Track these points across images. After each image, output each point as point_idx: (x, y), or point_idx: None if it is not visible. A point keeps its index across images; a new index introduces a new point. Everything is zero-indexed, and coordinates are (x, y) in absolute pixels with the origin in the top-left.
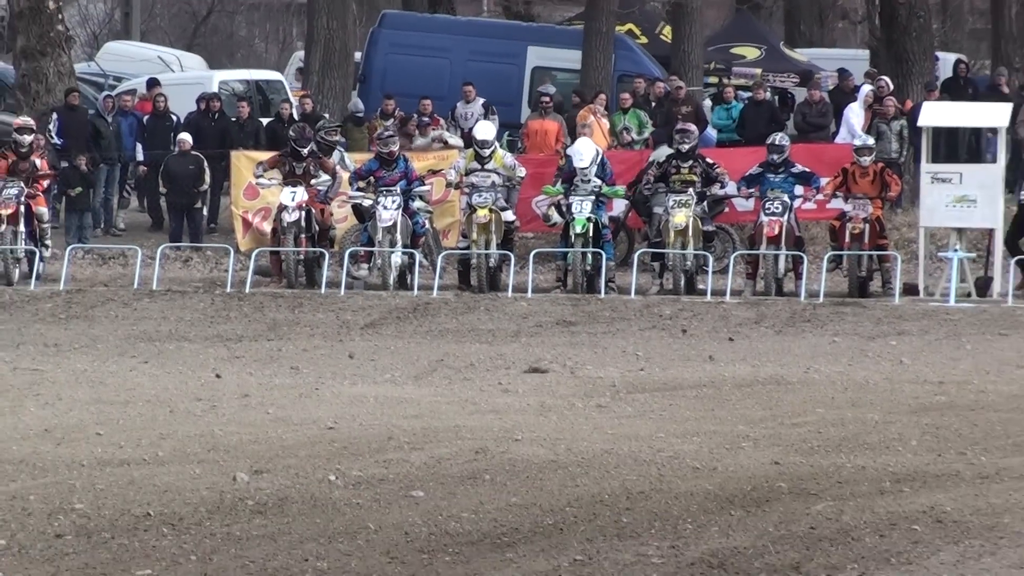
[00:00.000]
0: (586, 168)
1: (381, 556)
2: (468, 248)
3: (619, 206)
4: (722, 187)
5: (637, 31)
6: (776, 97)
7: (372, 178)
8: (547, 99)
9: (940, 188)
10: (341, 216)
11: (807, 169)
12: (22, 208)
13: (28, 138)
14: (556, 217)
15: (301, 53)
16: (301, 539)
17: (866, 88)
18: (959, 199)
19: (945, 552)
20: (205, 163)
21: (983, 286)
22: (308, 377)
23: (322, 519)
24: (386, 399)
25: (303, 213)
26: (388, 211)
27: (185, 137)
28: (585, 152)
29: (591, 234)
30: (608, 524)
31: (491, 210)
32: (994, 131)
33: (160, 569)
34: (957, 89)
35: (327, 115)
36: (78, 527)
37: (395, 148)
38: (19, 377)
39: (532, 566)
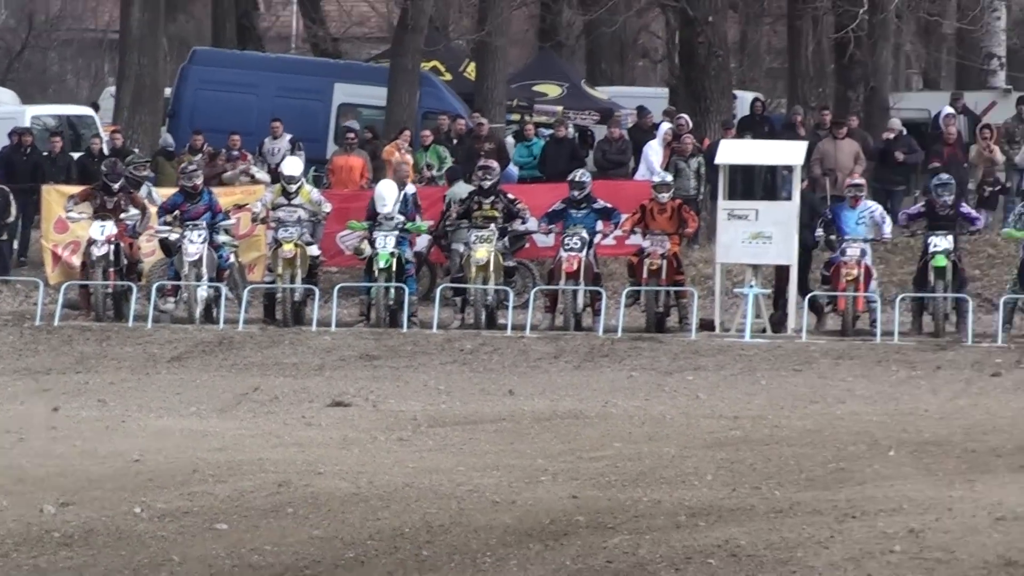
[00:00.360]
0: (389, 212)
1: None
2: (273, 282)
3: (422, 241)
4: (523, 223)
5: (442, 68)
6: (577, 134)
7: (178, 212)
8: (352, 135)
9: (736, 225)
10: (149, 250)
11: (608, 204)
12: None
13: None
14: (368, 250)
15: (113, 89)
16: (106, 571)
17: (665, 126)
18: (755, 235)
19: None
20: (11, 196)
21: (778, 322)
22: (115, 410)
23: (127, 551)
24: (191, 432)
25: (112, 247)
26: (194, 245)
27: None
28: (388, 196)
29: (394, 269)
30: (408, 557)
31: (297, 245)
32: (790, 169)
33: None
34: (754, 127)
35: (137, 150)
36: None
37: (199, 182)
38: None
39: None
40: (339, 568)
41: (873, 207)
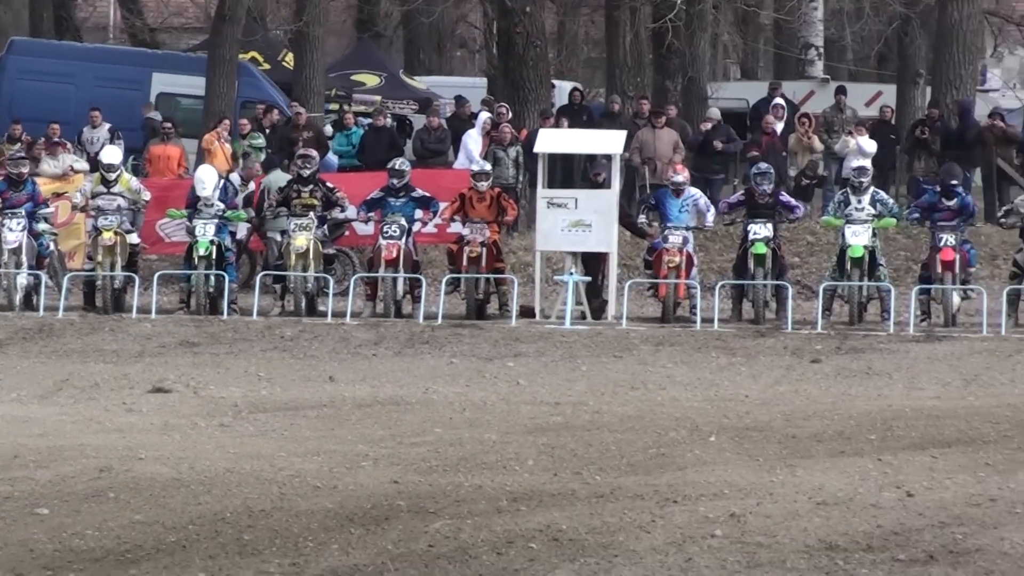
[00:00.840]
0: (208, 196)
1: (6, 573)
2: (93, 270)
3: (242, 229)
4: (342, 211)
5: (260, 58)
6: (395, 123)
7: (0, 199)
8: (168, 125)
9: (556, 213)
10: None
11: (427, 193)
12: None
13: None
14: None
15: None
16: None
17: (483, 115)
18: (575, 223)
19: (561, 570)
20: None
21: (598, 309)
22: None
23: None
24: (12, 418)
25: None
26: (14, 233)
27: None
28: (207, 180)
29: (214, 256)
30: (230, 541)
31: (116, 232)
32: (609, 157)
33: None
34: (573, 116)
35: None
36: None
37: (25, 170)
38: None
39: None
40: (160, 552)
41: (697, 195)
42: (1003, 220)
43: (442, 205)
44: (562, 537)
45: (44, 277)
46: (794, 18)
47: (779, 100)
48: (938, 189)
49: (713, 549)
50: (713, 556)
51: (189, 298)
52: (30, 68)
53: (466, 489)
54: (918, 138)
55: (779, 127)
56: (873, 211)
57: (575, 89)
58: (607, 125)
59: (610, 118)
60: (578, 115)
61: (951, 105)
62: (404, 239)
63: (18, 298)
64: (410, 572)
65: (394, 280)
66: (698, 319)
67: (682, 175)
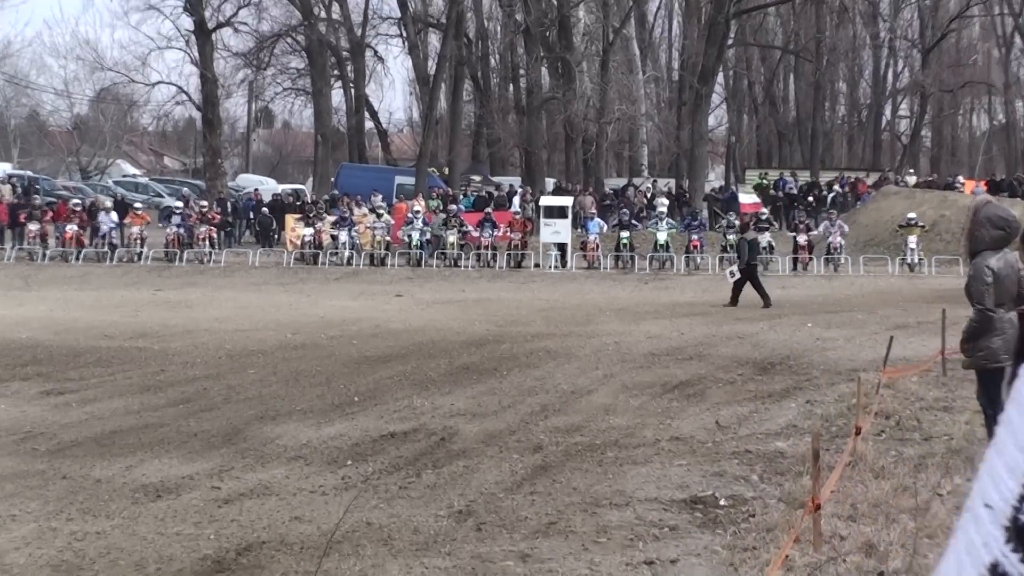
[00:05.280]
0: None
1: (343, 365)
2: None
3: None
4: None
5: (436, 170)
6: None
7: None
8: (402, 195)
9: None
10: None
11: None
12: None
13: None
14: None
15: None
16: None
17: None
18: None
19: (549, 363)
20: None
21: None
22: None
23: None
24: (338, 307)
25: None
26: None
27: None
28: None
29: None
30: (438, 351)
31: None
32: None
33: None
34: None
35: None
36: None
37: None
38: None
39: None
40: (403, 356)
41: None
42: None
43: None
44: (551, 350)
45: None
46: None
47: None
48: None
49: (610, 353)
50: (611, 356)
51: None
52: (351, 174)
53: (511, 332)
54: None
55: None
56: None
57: None
58: None
59: None
60: None
61: None
62: None
63: None
64: (499, 361)
65: None
66: None
67: None
